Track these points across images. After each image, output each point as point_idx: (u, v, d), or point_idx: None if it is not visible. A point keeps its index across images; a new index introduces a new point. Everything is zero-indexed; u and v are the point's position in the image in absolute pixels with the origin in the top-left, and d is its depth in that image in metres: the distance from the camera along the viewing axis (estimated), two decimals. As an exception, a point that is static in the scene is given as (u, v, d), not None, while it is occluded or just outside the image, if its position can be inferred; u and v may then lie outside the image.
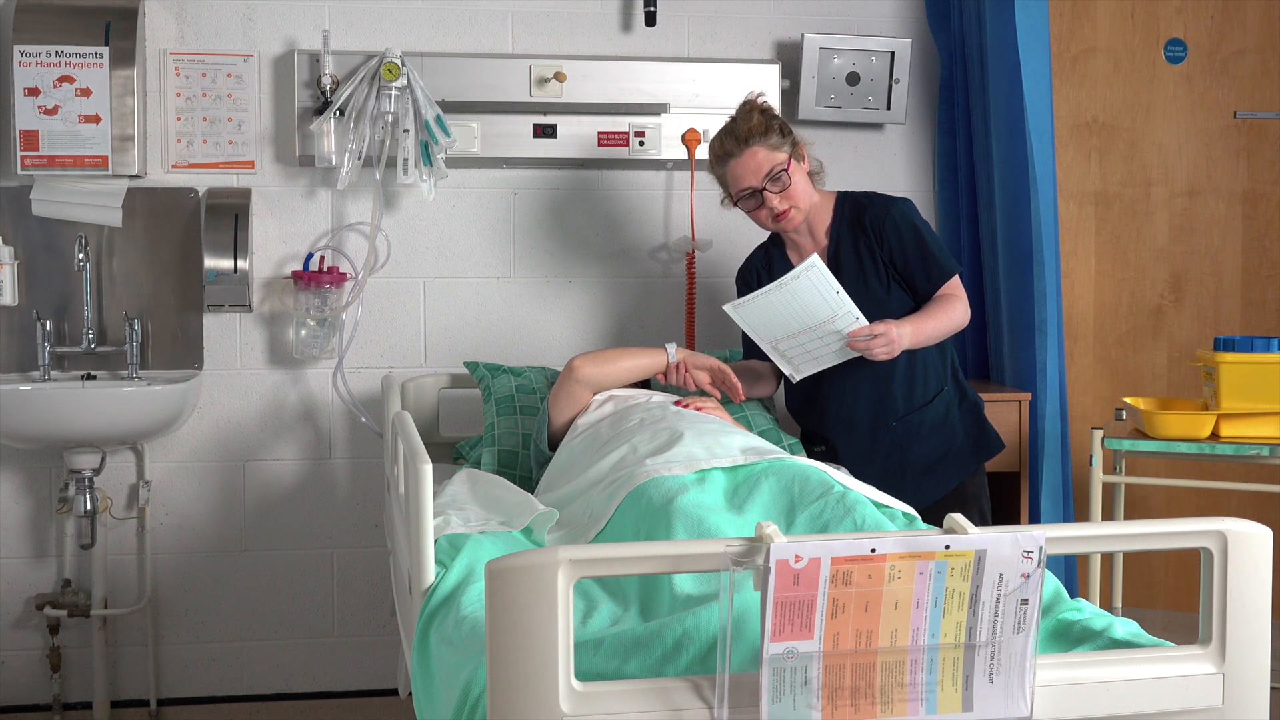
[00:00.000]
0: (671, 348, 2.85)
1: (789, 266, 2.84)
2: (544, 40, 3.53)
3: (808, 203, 2.85)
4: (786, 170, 2.78)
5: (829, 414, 2.91)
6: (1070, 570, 3.28)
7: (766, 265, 2.97)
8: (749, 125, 2.80)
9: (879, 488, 2.60)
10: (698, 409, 2.71)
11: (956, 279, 2.86)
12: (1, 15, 3.28)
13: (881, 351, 2.69)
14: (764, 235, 3.07)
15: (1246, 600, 1.55)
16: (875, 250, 2.86)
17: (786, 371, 2.82)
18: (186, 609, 3.47)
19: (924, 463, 2.88)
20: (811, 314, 2.68)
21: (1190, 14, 3.81)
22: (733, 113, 2.88)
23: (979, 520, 2.90)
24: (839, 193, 2.96)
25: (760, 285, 2.75)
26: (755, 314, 2.74)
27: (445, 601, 1.85)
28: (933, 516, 2.71)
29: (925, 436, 2.88)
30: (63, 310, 3.33)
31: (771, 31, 3.62)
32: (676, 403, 2.75)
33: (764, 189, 2.78)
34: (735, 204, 2.88)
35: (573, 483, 2.45)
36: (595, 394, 2.78)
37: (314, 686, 3.54)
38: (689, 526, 1.99)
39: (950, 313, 2.81)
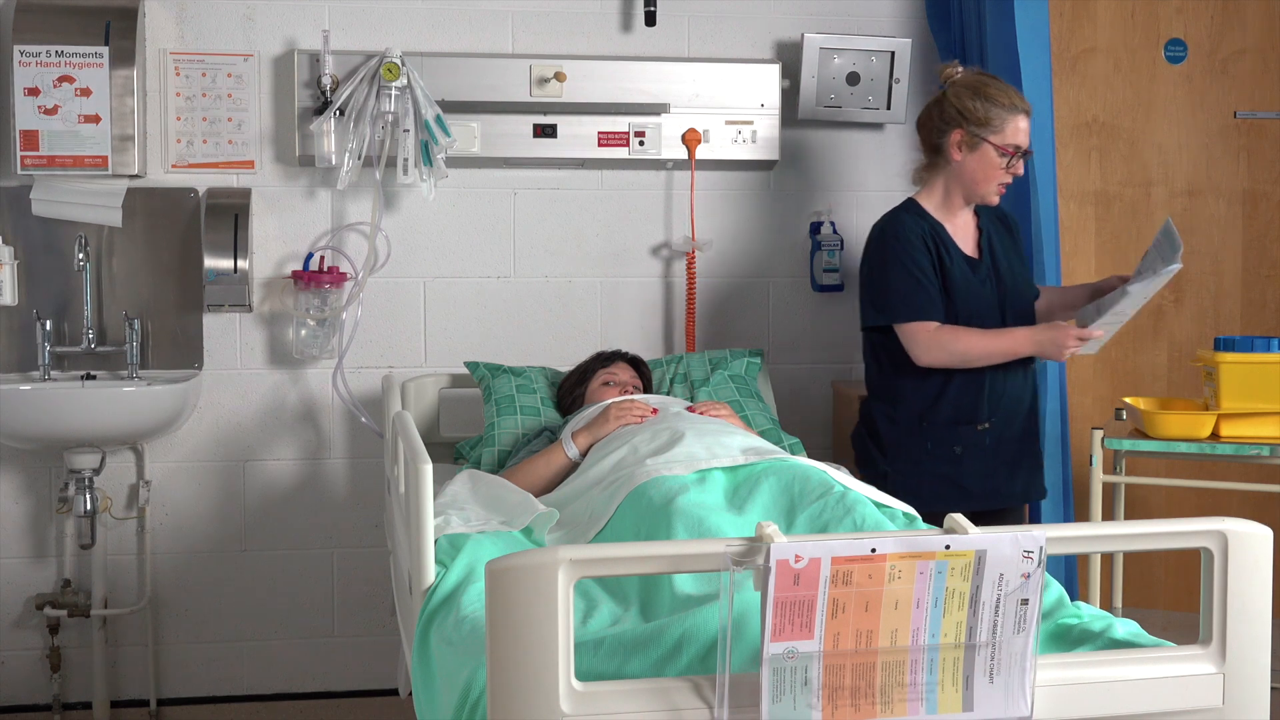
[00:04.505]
0: (570, 446, 2.64)
1: (949, 239, 2.94)
2: (544, 40, 3.53)
3: None
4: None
5: (1007, 391, 2.94)
6: (1071, 570, 3.28)
7: (934, 234, 2.95)
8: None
9: (1030, 469, 2.90)
10: (713, 415, 2.71)
11: None
12: (1, 15, 3.28)
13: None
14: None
15: (1246, 600, 1.55)
16: (1016, 241, 3.07)
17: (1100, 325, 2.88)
18: (186, 609, 3.47)
19: (1039, 457, 3.03)
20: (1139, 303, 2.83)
21: (1190, 14, 3.81)
22: (991, 77, 2.97)
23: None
24: None
25: (938, 251, 2.90)
26: (1147, 288, 2.80)
27: (445, 601, 1.85)
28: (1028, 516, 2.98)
29: (1043, 433, 3.07)
30: (63, 310, 3.33)
31: (771, 31, 3.62)
32: (689, 408, 2.74)
33: (1021, 156, 2.89)
34: (974, 144, 2.89)
35: (573, 483, 2.46)
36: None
37: (314, 686, 3.54)
38: (689, 526, 2.00)
39: None
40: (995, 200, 2.95)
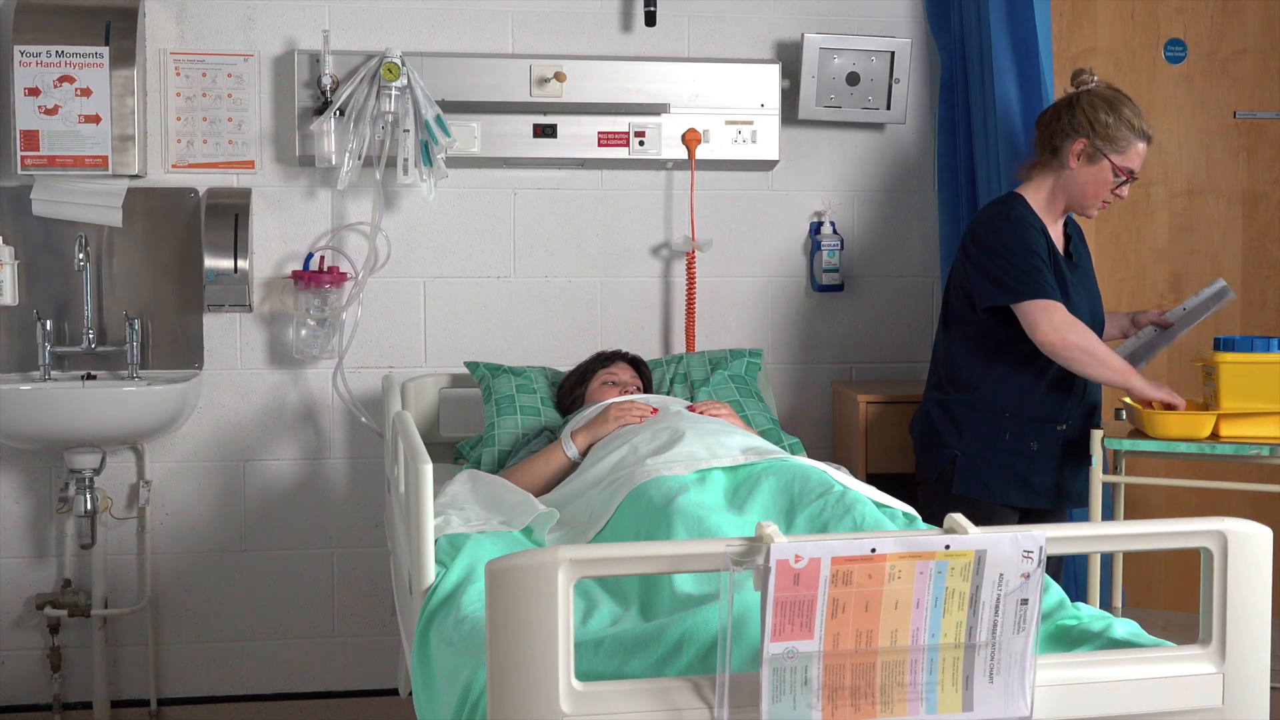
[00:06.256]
0: (569, 446, 2.65)
1: (1050, 238, 2.93)
2: (544, 40, 3.53)
3: None
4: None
5: (1086, 397, 2.96)
6: (1079, 572, 3.28)
7: (1045, 231, 2.93)
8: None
9: (1086, 473, 2.85)
10: (713, 414, 2.71)
11: None
12: (1, 15, 3.28)
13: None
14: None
15: (1246, 600, 1.55)
16: (1086, 250, 3.10)
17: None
18: (186, 609, 3.47)
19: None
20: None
21: (1190, 14, 3.81)
22: (1126, 95, 2.95)
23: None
24: None
25: (1047, 246, 2.88)
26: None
27: (445, 601, 1.85)
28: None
29: None
30: (63, 310, 3.33)
31: (771, 31, 3.62)
32: (689, 408, 2.74)
33: (1130, 181, 2.90)
34: (1094, 158, 2.87)
35: (573, 483, 2.46)
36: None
37: (314, 686, 3.54)
38: (689, 526, 2.00)
39: None
40: (1093, 215, 2.97)
